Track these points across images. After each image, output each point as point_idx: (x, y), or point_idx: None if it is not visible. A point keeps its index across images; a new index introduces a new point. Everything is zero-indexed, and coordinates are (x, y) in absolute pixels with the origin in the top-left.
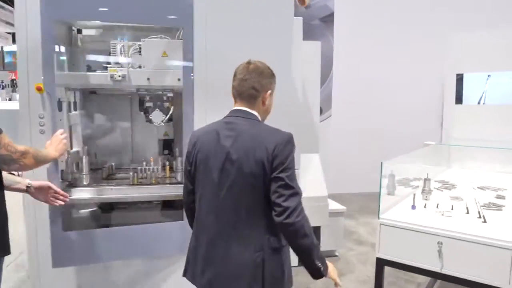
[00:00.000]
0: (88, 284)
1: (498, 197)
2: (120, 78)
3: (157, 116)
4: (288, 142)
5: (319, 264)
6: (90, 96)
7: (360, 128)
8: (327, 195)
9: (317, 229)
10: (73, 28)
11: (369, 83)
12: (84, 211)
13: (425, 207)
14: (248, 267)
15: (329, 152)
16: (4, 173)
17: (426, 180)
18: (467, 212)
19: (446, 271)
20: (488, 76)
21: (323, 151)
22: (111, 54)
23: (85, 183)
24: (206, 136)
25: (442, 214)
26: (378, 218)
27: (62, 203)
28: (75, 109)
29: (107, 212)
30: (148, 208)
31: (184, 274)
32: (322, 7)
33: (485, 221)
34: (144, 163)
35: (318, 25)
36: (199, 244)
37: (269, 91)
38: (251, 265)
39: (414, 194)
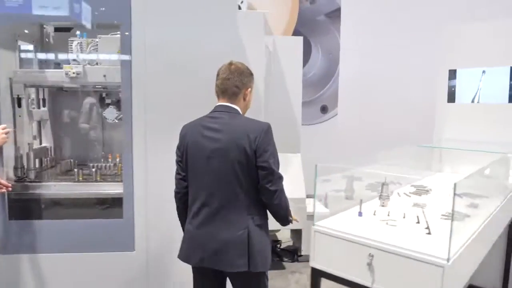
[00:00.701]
0: (34, 274)
1: (471, 205)
2: (74, 75)
3: (111, 113)
4: (267, 131)
5: (290, 218)
6: (61, 93)
7: (368, 127)
8: (305, 197)
9: (298, 232)
10: (45, 26)
11: (378, 80)
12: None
13: (374, 214)
14: (235, 243)
15: (335, 152)
16: None
17: (384, 185)
18: (418, 222)
19: (376, 286)
20: (483, 72)
21: (327, 151)
22: (68, 51)
23: (32, 177)
24: (193, 129)
25: (387, 223)
26: (313, 225)
27: (4, 191)
28: (43, 106)
29: (53, 206)
30: (93, 204)
31: (179, 256)
32: (328, 2)
33: (429, 233)
34: (102, 160)
35: (324, 21)
36: (192, 227)
37: (249, 88)
38: (238, 241)
39: (361, 200)
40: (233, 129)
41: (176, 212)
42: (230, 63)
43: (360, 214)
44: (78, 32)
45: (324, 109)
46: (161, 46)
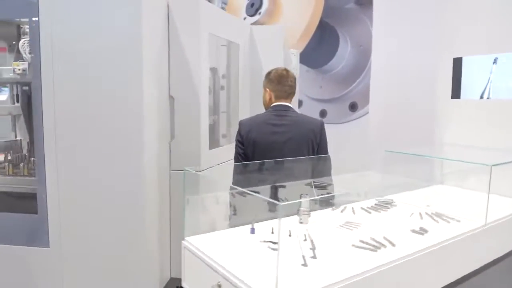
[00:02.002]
0: None
1: (420, 230)
2: (20, 72)
3: None
4: (323, 126)
5: None
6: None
7: (404, 128)
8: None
9: None
10: (21, 26)
11: (416, 74)
12: None
13: (272, 232)
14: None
15: (365, 154)
16: None
17: (303, 196)
18: (311, 248)
19: None
20: (495, 60)
21: (356, 153)
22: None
23: None
24: (259, 126)
25: (268, 247)
26: (183, 239)
27: None
28: (17, 101)
29: None
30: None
31: None
32: None
33: (305, 264)
34: None
35: (353, 9)
36: None
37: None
38: None
39: (255, 214)
40: (299, 124)
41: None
42: (285, 69)
43: (252, 231)
44: None
45: (353, 107)
46: (68, 42)
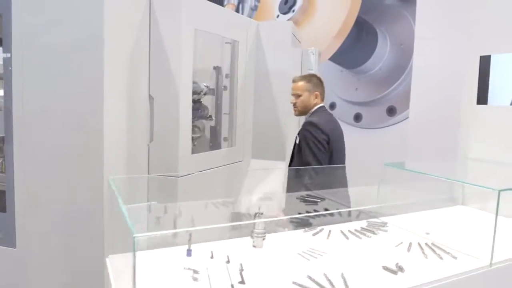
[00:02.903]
0: None
1: (396, 268)
2: None
3: None
4: None
5: None
6: None
7: (447, 136)
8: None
9: None
10: None
11: (458, 78)
12: None
13: (212, 257)
14: None
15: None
16: None
17: (258, 215)
18: (241, 282)
19: None
20: None
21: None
22: None
23: None
24: (336, 125)
25: (191, 275)
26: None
27: None
28: None
29: None
30: None
31: None
32: None
33: None
34: None
35: (394, 5)
36: None
37: None
38: None
39: (190, 235)
40: None
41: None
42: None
43: (188, 253)
44: None
45: (391, 111)
46: (36, 35)
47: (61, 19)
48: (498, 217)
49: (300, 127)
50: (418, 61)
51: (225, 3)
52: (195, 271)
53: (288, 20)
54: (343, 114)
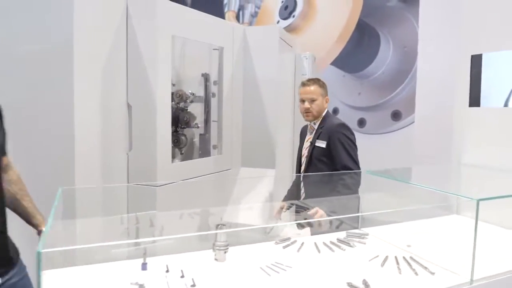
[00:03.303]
0: None
1: (362, 285)
2: None
3: None
4: None
5: None
6: None
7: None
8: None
9: None
10: None
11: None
12: None
13: (167, 270)
14: None
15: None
16: None
17: (219, 227)
18: None
19: None
20: None
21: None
22: None
23: None
24: None
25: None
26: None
27: None
28: None
29: None
30: None
31: None
32: None
33: None
34: None
35: (397, 7)
36: None
37: None
38: None
39: (145, 248)
40: None
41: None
42: None
43: (143, 267)
44: None
45: (396, 116)
46: (6, 45)
47: (31, 28)
48: (499, 228)
49: (301, 133)
50: (422, 64)
51: (225, 10)
52: (141, 286)
53: (288, 25)
54: (347, 120)
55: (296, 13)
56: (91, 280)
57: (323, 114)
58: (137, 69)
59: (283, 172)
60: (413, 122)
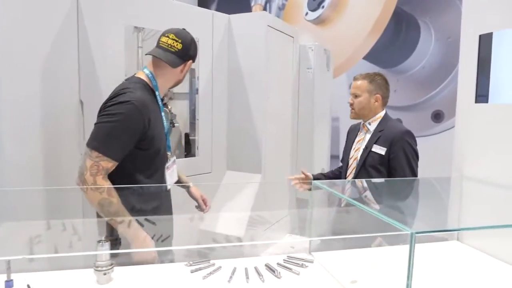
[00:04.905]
0: None
1: None
2: None
3: None
4: None
5: None
6: None
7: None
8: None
9: None
10: None
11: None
12: None
13: None
14: None
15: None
16: None
17: (101, 243)
18: None
19: None
20: None
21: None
22: None
23: None
24: None
25: None
26: None
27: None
28: None
29: None
30: None
31: None
32: None
33: None
34: None
35: None
36: None
37: None
38: None
39: (9, 261)
40: None
41: None
42: None
43: (8, 284)
44: None
45: (437, 117)
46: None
47: None
48: (501, 263)
49: (349, 131)
50: (465, 57)
51: (252, 3)
52: None
53: (317, 17)
54: None
55: (326, 3)
56: None
57: (378, 115)
58: (88, 64)
59: (270, 178)
60: (453, 126)
